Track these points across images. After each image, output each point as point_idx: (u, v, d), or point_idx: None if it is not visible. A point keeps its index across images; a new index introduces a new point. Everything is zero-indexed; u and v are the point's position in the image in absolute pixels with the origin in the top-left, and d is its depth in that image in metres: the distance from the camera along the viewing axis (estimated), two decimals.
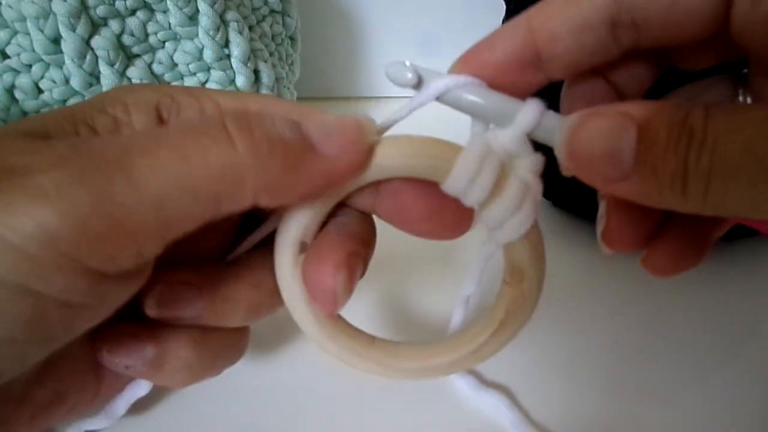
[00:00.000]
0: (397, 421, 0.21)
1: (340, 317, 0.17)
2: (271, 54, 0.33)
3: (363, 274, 0.18)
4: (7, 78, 0.26)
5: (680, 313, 0.26)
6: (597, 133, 0.13)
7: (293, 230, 0.16)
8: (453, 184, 0.14)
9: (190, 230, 0.14)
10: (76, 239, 0.11)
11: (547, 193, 0.33)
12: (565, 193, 0.30)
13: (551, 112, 0.14)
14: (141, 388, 0.20)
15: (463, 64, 0.15)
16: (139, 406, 0.22)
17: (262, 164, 0.13)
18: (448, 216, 0.16)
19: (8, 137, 0.14)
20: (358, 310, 0.19)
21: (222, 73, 0.30)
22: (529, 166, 0.14)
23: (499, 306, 0.17)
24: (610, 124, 0.12)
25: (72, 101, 0.26)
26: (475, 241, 0.22)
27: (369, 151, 0.15)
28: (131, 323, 0.17)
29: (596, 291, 0.27)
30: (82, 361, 0.17)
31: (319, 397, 0.22)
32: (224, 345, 0.18)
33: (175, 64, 0.29)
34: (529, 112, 0.14)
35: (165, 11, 0.28)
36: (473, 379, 0.22)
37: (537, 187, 0.15)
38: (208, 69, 0.29)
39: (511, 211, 0.15)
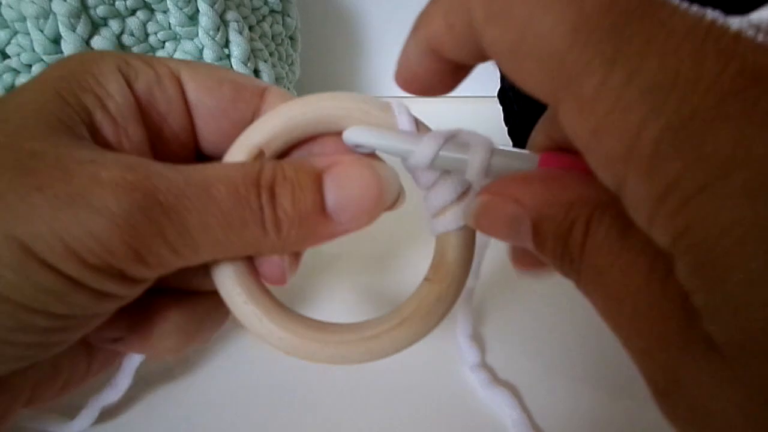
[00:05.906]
0: (400, 411, 0.21)
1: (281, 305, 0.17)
2: (271, 54, 0.33)
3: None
4: (7, 78, 0.26)
5: None
6: (497, 220, 0.14)
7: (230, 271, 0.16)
8: (416, 161, 0.15)
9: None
10: (123, 259, 0.13)
11: None
12: None
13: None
14: (136, 357, 0.21)
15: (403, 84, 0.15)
16: (131, 401, 0.22)
17: (282, 239, 0.15)
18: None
19: (39, 126, 0.14)
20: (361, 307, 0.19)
21: None
22: (476, 171, 0.15)
23: (410, 301, 0.16)
24: (507, 213, 0.14)
25: None
26: None
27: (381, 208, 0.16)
28: None
29: None
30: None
31: (323, 388, 0.22)
32: (209, 306, 0.18)
33: None
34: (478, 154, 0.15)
35: (165, 11, 0.28)
36: (486, 375, 0.22)
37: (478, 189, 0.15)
38: None
39: (449, 200, 0.16)
